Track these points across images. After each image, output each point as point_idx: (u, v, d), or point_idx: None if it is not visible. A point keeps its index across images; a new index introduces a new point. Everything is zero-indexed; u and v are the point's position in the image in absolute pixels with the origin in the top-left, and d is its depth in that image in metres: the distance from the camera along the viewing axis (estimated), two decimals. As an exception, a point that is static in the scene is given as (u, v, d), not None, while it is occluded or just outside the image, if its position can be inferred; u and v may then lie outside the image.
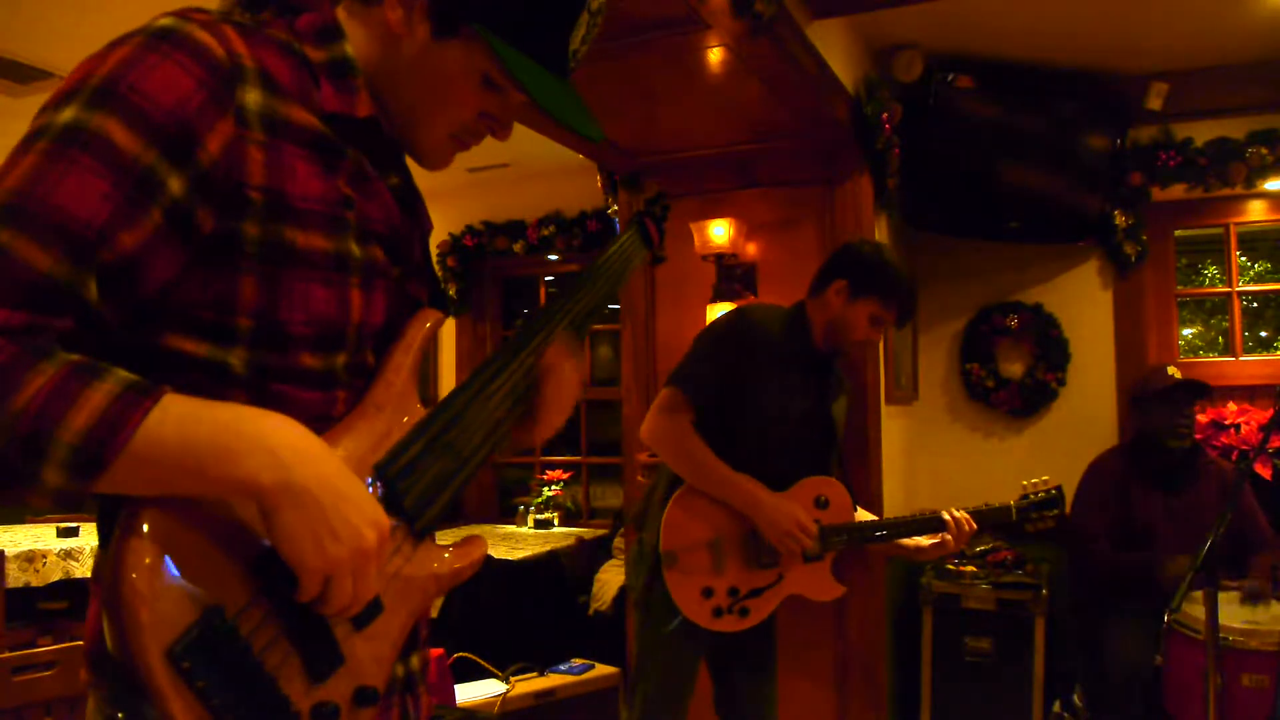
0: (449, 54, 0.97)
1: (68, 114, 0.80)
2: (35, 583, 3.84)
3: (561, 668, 3.20)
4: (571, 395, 1.13)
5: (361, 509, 0.83)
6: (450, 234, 5.38)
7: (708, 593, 2.31)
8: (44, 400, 0.72)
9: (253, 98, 0.87)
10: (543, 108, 0.96)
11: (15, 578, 3.75)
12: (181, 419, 0.77)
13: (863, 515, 2.50)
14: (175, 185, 0.82)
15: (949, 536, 2.39)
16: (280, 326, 0.89)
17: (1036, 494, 2.49)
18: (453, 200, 5.22)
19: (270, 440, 0.80)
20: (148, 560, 0.76)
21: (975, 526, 2.40)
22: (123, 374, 0.77)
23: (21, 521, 4.85)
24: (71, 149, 0.79)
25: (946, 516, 2.39)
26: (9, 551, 3.74)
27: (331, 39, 0.97)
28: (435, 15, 0.96)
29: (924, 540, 2.43)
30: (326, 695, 0.87)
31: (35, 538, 4.14)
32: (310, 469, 0.81)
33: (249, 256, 0.86)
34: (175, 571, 0.77)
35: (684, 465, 2.34)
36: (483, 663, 3.08)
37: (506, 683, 3.02)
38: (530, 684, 3.06)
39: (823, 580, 2.41)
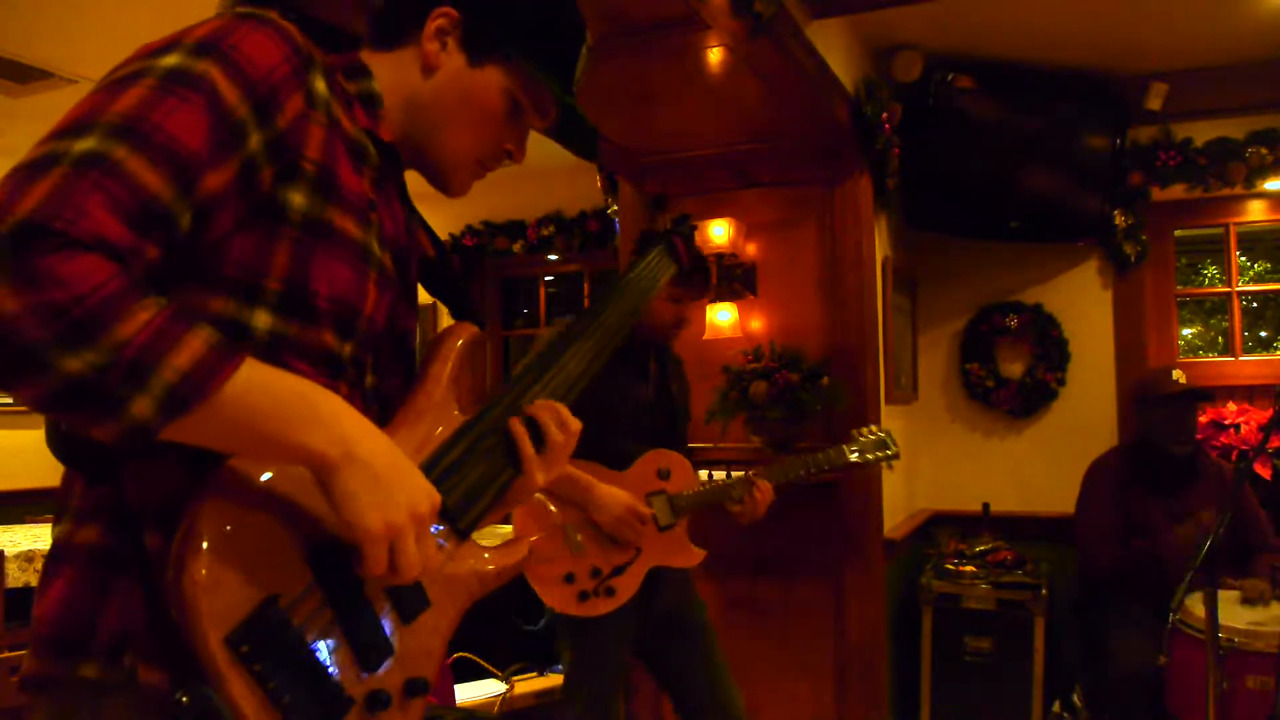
0: (482, 80, 1.08)
1: (172, 60, 0.85)
2: (35, 583, 3.82)
3: (561, 668, 3.19)
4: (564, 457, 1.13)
5: (415, 479, 0.90)
6: (450, 234, 5.37)
7: (569, 578, 2.32)
8: (151, 335, 0.76)
9: (320, 86, 0.96)
10: (577, 121, 1.14)
11: (15, 578, 3.74)
12: (265, 381, 0.82)
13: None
14: (254, 141, 0.88)
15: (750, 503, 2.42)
16: (307, 296, 0.94)
17: (866, 436, 2.60)
18: (453, 200, 5.21)
19: (338, 414, 0.86)
20: (207, 550, 0.81)
21: (772, 496, 2.44)
22: (210, 328, 0.80)
23: (21, 521, 4.84)
24: (181, 88, 0.84)
25: (753, 487, 2.42)
26: (9, 551, 3.74)
27: (360, 76, 1.06)
28: (469, 45, 1.08)
29: (736, 507, 2.45)
30: (379, 684, 0.92)
31: (35, 538, 4.13)
32: (369, 444, 0.87)
33: (290, 224, 0.92)
34: (233, 561, 0.82)
35: None
36: (483, 663, 3.08)
37: (506, 683, 3.02)
38: (530, 684, 3.06)
39: (680, 547, 2.44)
